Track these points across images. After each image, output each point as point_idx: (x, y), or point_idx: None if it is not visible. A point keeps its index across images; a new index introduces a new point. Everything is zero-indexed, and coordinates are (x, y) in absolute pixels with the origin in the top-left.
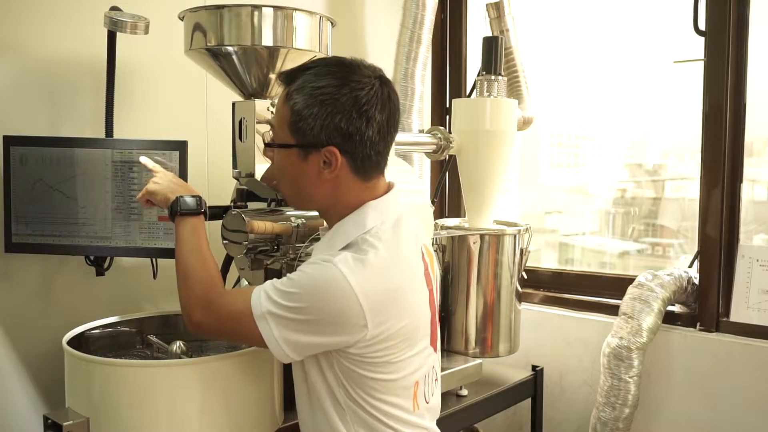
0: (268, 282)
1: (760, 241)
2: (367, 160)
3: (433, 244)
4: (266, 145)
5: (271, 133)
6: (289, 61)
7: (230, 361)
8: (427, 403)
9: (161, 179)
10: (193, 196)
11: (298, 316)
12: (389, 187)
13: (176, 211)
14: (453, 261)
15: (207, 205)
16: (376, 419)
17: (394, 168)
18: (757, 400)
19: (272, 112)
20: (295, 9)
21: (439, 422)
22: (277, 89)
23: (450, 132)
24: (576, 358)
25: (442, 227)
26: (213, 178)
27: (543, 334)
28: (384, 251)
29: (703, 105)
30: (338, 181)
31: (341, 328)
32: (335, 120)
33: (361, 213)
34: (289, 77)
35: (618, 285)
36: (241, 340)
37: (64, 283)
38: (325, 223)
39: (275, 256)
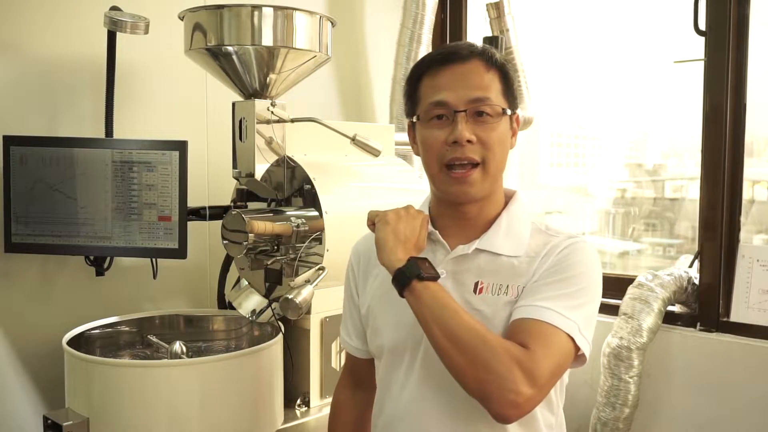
0: (540, 301)
1: (760, 241)
2: None
3: None
4: (503, 111)
5: (475, 105)
6: (289, 61)
7: (230, 361)
8: None
9: (390, 227)
10: (422, 258)
11: (595, 306)
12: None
13: (418, 275)
14: None
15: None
16: (561, 416)
17: (394, 168)
18: (757, 400)
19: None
20: (295, 9)
21: None
22: (277, 89)
23: None
24: None
25: None
26: (213, 178)
27: None
28: None
29: (703, 105)
30: None
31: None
32: (516, 86)
33: (521, 200)
34: (479, 51)
35: (618, 285)
36: (557, 381)
37: (64, 283)
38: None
39: (275, 256)
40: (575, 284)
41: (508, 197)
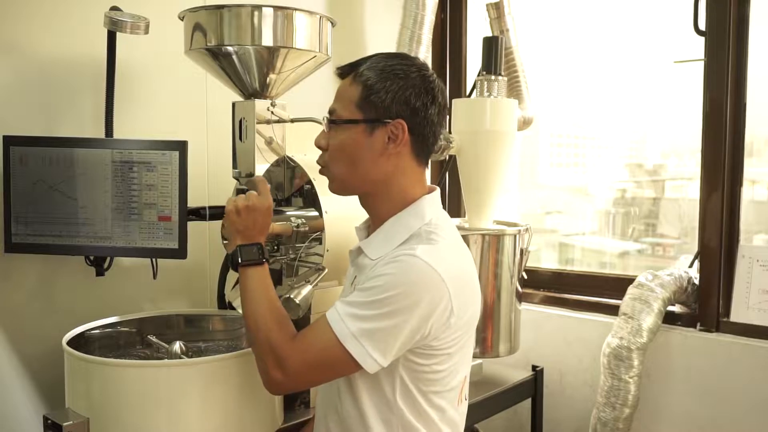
0: (338, 304)
1: (760, 241)
2: (426, 141)
3: None
4: (330, 122)
5: (328, 117)
6: (289, 61)
7: (230, 361)
8: (466, 400)
9: (229, 220)
10: (252, 244)
11: (391, 321)
12: (431, 188)
13: (237, 262)
14: None
15: (268, 253)
16: (422, 418)
17: None
18: (757, 400)
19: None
20: (295, 9)
21: None
22: (277, 89)
23: (450, 132)
24: (576, 358)
25: None
26: (213, 178)
27: (543, 334)
28: (451, 239)
29: (703, 105)
30: (399, 160)
31: (433, 318)
32: (406, 93)
33: (419, 206)
34: (352, 65)
35: (618, 285)
36: (327, 377)
37: (64, 283)
38: (359, 226)
39: (275, 256)
40: (371, 295)
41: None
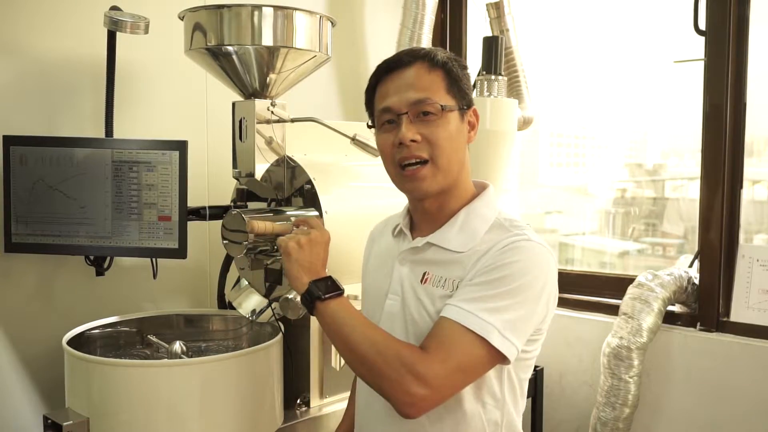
0: (462, 303)
1: (760, 241)
2: None
3: None
4: (442, 107)
5: (417, 107)
6: (289, 61)
7: (230, 361)
8: None
9: (291, 258)
10: (325, 278)
11: (528, 307)
12: (483, 183)
13: (318, 297)
14: None
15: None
16: (517, 406)
17: None
18: (757, 400)
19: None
20: (295, 9)
21: None
22: (277, 89)
23: None
24: (576, 358)
25: None
26: (213, 178)
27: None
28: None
29: (703, 105)
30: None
31: (552, 300)
32: (470, 84)
33: (489, 197)
34: (413, 54)
35: (618, 285)
36: (469, 380)
37: (64, 283)
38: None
39: (275, 256)
40: (503, 285)
41: (480, 190)
